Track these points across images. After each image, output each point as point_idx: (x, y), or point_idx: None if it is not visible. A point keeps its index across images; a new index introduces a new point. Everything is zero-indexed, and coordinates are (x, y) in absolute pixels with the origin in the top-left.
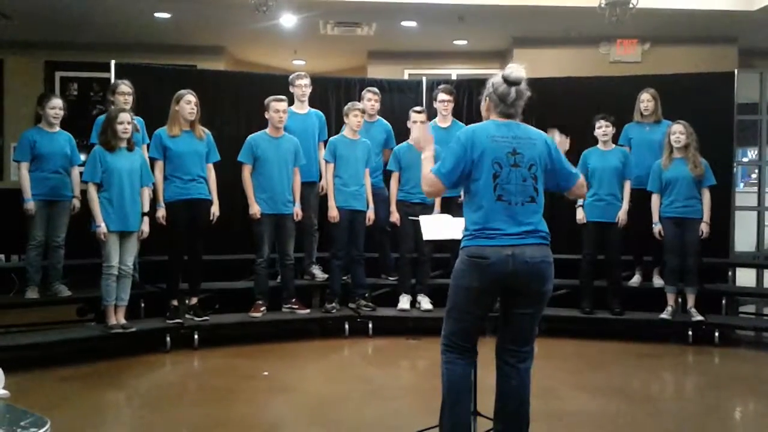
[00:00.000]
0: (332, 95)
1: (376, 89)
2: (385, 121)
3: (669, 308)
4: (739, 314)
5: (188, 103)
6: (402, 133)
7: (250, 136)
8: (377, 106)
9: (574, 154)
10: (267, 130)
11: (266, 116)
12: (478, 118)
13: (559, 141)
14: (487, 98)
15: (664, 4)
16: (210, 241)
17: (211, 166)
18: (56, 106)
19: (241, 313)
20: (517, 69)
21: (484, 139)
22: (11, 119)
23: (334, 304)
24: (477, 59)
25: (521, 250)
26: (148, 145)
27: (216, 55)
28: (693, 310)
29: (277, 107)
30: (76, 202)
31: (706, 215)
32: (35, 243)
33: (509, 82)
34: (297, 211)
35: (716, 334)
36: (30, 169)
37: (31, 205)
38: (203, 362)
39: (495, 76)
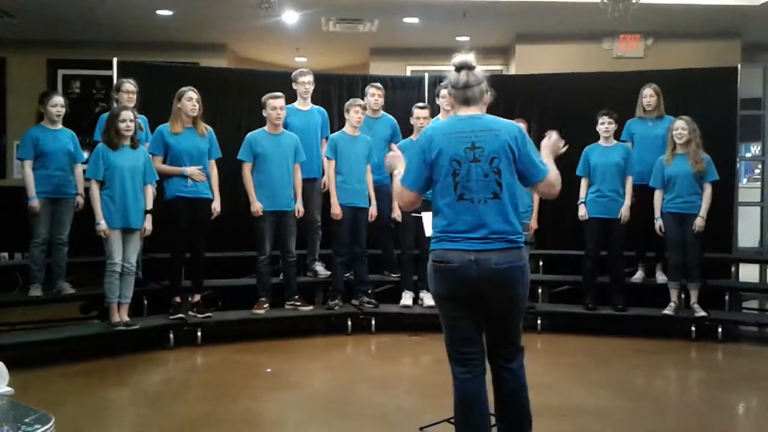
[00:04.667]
0: (334, 92)
1: (379, 84)
2: (390, 116)
3: (672, 304)
4: (742, 310)
5: (190, 99)
6: (405, 129)
7: (250, 133)
8: (381, 101)
9: (576, 151)
10: (266, 128)
11: (264, 114)
12: None
13: (554, 140)
14: (448, 94)
15: None
16: (212, 238)
17: (213, 162)
18: (57, 103)
19: (244, 310)
20: (462, 55)
21: (439, 138)
22: (14, 117)
23: (336, 301)
24: (479, 55)
25: (486, 256)
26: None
27: (218, 52)
28: (696, 306)
29: (274, 104)
30: (80, 200)
31: (703, 210)
32: (39, 241)
33: (456, 67)
34: (299, 207)
35: (719, 330)
36: (34, 167)
37: (35, 202)
38: (206, 359)
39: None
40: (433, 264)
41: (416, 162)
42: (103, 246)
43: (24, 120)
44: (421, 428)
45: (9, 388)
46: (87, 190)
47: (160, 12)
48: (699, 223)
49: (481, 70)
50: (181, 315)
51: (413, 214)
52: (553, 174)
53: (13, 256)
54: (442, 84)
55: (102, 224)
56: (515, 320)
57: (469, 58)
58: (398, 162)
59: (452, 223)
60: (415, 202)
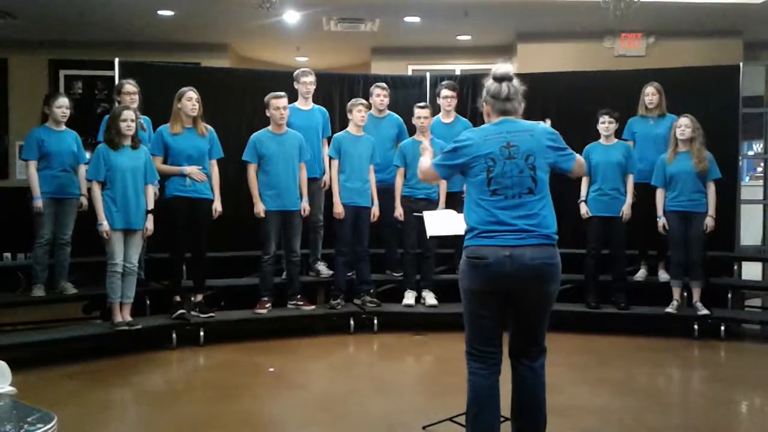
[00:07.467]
0: (336, 92)
1: (384, 84)
2: (396, 116)
3: (674, 302)
4: (744, 308)
5: (189, 99)
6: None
7: (254, 134)
8: (386, 101)
9: (577, 149)
10: (270, 128)
11: (267, 114)
12: (482, 114)
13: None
14: (484, 102)
15: None
16: (215, 238)
17: (214, 162)
18: (63, 105)
19: (246, 309)
20: (502, 66)
21: (477, 139)
22: (16, 118)
23: (339, 301)
24: (481, 54)
25: (521, 251)
26: None
27: (220, 52)
28: (698, 304)
29: (277, 104)
30: (84, 200)
31: (711, 209)
32: (42, 241)
33: (497, 78)
34: (305, 206)
35: (722, 328)
36: (38, 167)
37: (40, 203)
38: (209, 359)
39: (487, 78)
40: (467, 260)
41: (448, 155)
42: (105, 246)
43: (26, 121)
44: (424, 427)
45: (12, 388)
46: (90, 190)
47: (161, 12)
48: (710, 223)
49: (518, 81)
50: (183, 315)
51: (415, 213)
52: (578, 156)
53: (16, 256)
54: (443, 83)
55: (104, 225)
56: (542, 319)
57: (510, 69)
58: (427, 153)
59: (486, 218)
60: (435, 179)
